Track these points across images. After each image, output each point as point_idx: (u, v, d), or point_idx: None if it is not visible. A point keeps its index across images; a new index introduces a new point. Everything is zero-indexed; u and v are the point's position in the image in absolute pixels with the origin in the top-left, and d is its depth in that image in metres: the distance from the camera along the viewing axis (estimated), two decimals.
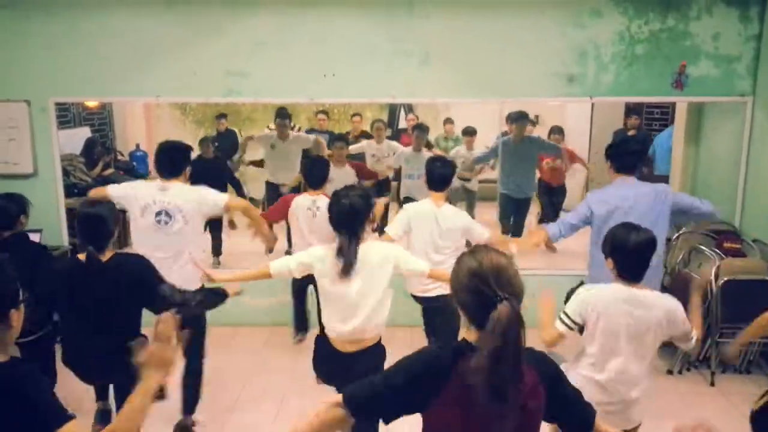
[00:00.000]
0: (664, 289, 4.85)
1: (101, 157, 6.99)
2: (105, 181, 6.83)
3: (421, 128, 6.56)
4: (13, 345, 1.71)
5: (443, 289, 3.53)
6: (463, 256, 1.72)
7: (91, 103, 7.51)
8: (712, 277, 4.35)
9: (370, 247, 2.82)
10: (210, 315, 3.63)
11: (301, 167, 4.35)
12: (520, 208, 6.55)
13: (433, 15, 4.84)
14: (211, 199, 3.51)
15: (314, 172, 4.26)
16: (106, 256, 2.88)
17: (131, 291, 2.86)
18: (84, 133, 7.43)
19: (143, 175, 7.87)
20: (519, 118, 6.23)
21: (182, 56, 4.90)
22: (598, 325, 2.54)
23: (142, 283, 2.89)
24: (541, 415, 1.69)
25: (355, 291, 2.76)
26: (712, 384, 4.34)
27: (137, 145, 8.30)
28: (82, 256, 2.87)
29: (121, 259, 2.93)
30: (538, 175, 6.86)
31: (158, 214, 3.40)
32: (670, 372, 4.52)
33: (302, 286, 4.49)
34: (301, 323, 4.73)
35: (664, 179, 6.45)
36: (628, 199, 3.46)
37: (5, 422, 1.57)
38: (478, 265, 1.63)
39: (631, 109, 7.59)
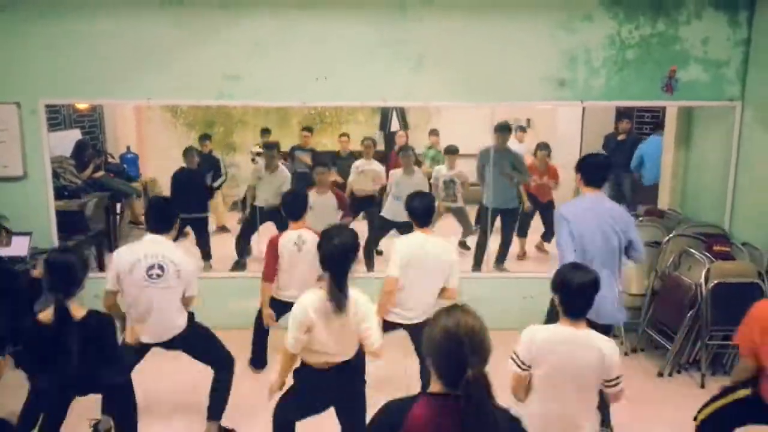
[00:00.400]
0: (653, 291, 4.90)
1: (92, 159, 6.97)
2: (95, 183, 6.82)
3: (406, 150, 6.58)
4: None
5: (426, 314, 3.61)
6: (439, 315, 1.78)
7: (82, 106, 7.48)
8: (702, 280, 4.38)
9: (354, 299, 2.84)
10: (199, 318, 3.66)
11: (281, 200, 4.36)
12: (505, 219, 6.36)
13: (425, 18, 4.86)
14: (192, 283, 3.48)
15: (293, 206, 4.27)
16: (79, 312, 2.85)
17: (100, 349, 2.91)
18: (74, 135, 7.40)
19: (134, 178, 7.85)
20: (501, 128, 6.12)
21: (174, 59, 4.89)
22: (541, 365, 2.58)
23: (108, 345, 2.96)
24: None
25: (341, 331, 2.82)
26: (703, 386, 4.35)
27: (128, 148, 8.26)
28: (45, 316, 2.84)
29: (94, 319, 2.91)
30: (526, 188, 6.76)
31: (150, 267, 3.36)
32: (660, 374, 4.54)
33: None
34: (259, 359, 4.57)
35: (655, 189, 6.49)
36: (592, 211, 3.53)
37: None
38: (453, 326, 1.71)
39: (621, 113, 7.64)
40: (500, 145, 6.11)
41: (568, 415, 2.61)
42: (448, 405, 1.67)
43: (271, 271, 4.22)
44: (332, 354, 2.87)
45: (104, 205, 6.80)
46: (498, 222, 6.37)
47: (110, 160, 7.86)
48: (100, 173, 7.06)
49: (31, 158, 4.99)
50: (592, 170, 3.65)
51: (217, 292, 4.97)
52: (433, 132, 8.04)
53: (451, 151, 6.83)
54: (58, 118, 7.14)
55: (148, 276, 3.36)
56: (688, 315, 4.43)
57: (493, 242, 6.20)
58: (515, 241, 6.62)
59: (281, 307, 4.17)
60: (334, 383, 2.91)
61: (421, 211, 3.70)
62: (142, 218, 6.80)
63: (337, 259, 2.76)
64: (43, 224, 4.96)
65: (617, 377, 2.57)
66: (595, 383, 2.60)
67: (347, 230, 2.92)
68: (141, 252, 3.39)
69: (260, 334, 4.54)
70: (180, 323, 3.51)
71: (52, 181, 5.13)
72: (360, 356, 2.99)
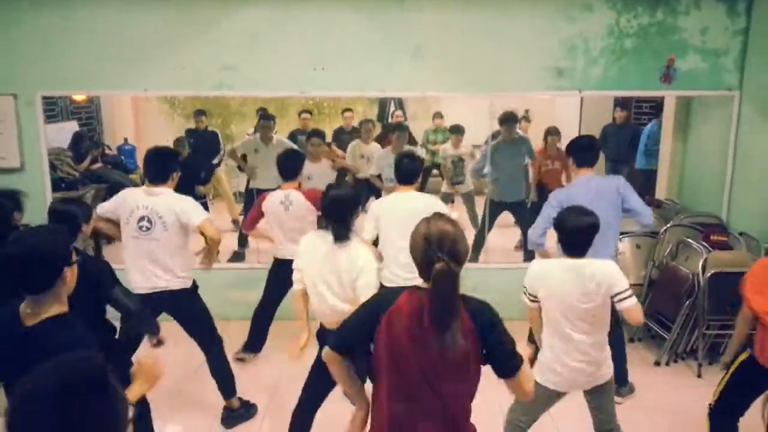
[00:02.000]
0: (651, 281, 4.92)
1: (89, 151, 6.95)
2: (92, 175, 6.81)
3: (402, 128, 6.39)
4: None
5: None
6: (421, 222, 2.01)
7: (79, 97, 7.46)
8: (700, 270, 4.40)
9: (356, 252, 2.89)
10: None
11: (276, 160, 4.34)
12: (517, 213, 6.25)
13: (424, 8, 4.84)
14: (191, 214, 3.44)
15: (287, 164, 4.25)
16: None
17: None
18: (71, 127, 7.38)
19: (132, 170, 7.84)
20: (507, 120, 6.04)
21: (171, 49, 4.86)
22: (543, 291, 2.81)
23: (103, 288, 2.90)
24: (474, 355, 1.93)
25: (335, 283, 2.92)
26: (699, 375, 4.38)
27: (125, 139, 8.25)
28: None
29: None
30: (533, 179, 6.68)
31: (140, 219, 3.45)
32: (657, 364, 4.57)
33: (274, 300, 4.46)
34: (255, 342, 4.53)
35: (644, 174, 6.53)
36: (589, 192, 3.66)
37: None
38: (427, 230, 1.95)
39: (620, 103, 7.62)
40: (507, 135, 6.08)
41: (579, 337, 2.76)
42: (423, 296, 1.92)
43: (248, 222, 4.38)
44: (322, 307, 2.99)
45: (102, 197, 6.79)
46: (503, 217, 6.29)
47: (107, 151, 7.84)
48: (98, 165, 7.05)
49: (28, 150, 4.98)
50: (581, 151, 3.86)
51: (215, 283, 4.97)
52: (438, 114, 8.02)
53: (457, 131, 6.78)
54: (55, 109, 7.12)
55: (139, 228, 3.44)
56: (686, 304, 4.45)
57: (497, 236, 6.18)
58: (516, 231, 6.60)
59: (284, 266, 4.15)
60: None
61: (406, 170, 3.78)
62: None
63: (337, 208, 2.91)
64: (40, 216, 4.93)
65: (625, 289, 2.70)
66: (601, 308, 2.73)
67: (349, 185, 3.01)
68: (138, 201, 3.47)
69: (259, 322, 4.52)
70: (177, 274, 3.50)
71: (50, 173, 5.13)
72: None
